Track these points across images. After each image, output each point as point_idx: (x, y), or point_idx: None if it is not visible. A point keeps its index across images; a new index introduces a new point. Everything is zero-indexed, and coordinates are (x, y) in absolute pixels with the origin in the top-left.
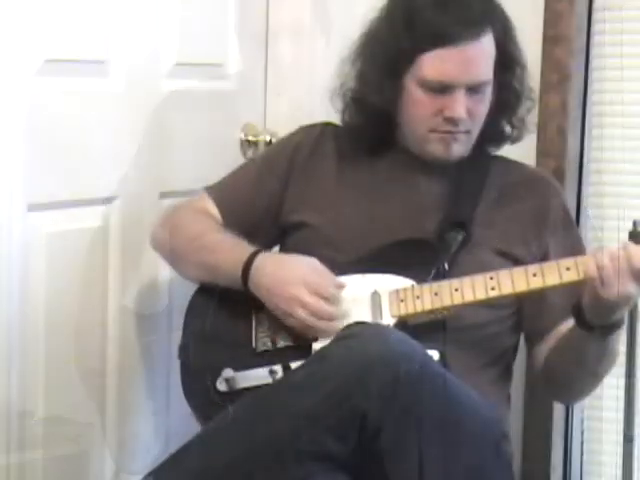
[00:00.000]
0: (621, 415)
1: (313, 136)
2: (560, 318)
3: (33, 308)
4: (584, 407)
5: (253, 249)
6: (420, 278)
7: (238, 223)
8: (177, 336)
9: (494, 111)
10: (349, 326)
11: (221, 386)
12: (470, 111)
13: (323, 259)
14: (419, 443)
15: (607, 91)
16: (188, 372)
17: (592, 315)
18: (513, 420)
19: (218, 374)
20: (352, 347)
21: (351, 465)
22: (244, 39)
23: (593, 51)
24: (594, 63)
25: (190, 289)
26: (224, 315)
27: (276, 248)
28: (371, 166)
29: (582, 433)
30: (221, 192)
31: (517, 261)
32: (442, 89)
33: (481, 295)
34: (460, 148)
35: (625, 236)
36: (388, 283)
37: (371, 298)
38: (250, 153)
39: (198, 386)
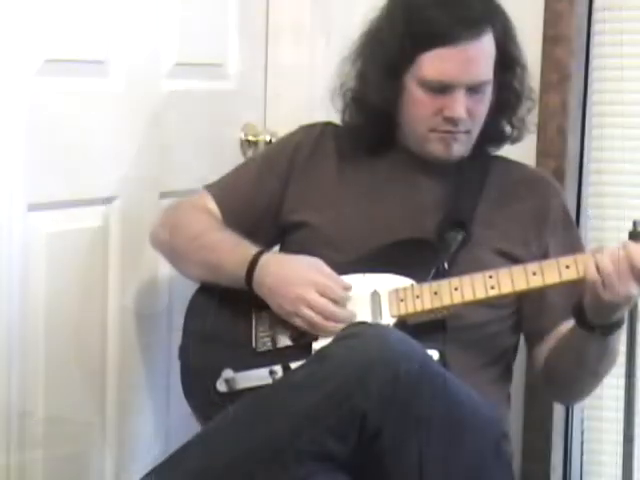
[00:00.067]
0: (621, 415)
1: (313, 136)
2: (560, 318)
3: (33, 308)
4: (584, 407)
5: (256, 249)
6: (420, 278)
7: (238, 222)
8: (177, 336)
9: (494, 111)
10: (349, 326)
11: (221, 387)
12: (470, 111)
13: (323, 259)
14: (419, 443)
15: (607, 91)
16: (188, 372)
17: (593, 315)
18: (513, 420)
19: (218, 375)
20: (352, 347)
21: (351, 465)
22: (244, 39)
23: (593, 51)
24: (594, 63)
25: (190, 289)
26: (224, 315)
27: (276, 248)
28: (371, 166)
29: (582, 433)
30: (221, 190)
31: (517, 261)
32: (442, 89)
33: (481, 294)
34: (460, 148)
35: (625, 236)
36: (388, 283)
37: (371, 298)
38: (250, 153)
39: (198, 386)
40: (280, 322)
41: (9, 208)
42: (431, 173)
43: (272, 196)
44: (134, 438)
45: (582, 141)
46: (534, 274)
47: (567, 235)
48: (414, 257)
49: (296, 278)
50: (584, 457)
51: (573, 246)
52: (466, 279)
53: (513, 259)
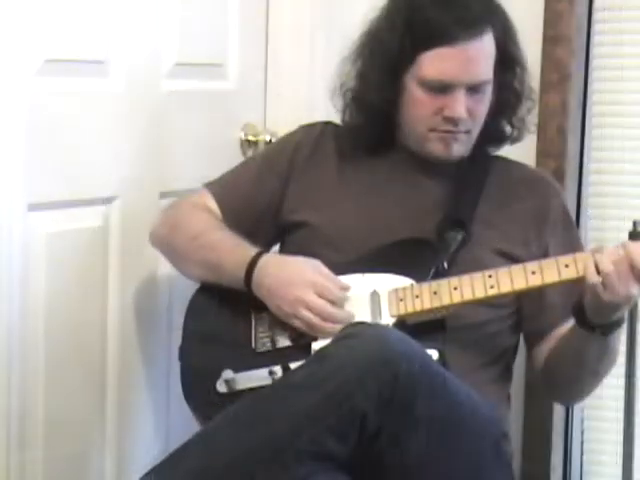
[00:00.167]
0: (621, 415)
1: (313, 135)
2: (560, 318)
3: (33, 308)
4: (584, 407)
5: (256, 250)
6: (419, 277)
7: (238, 221)
8: (177, 336)
9: (494, 111)
10: (349, 326)
11: (221, 387)
12: (470, 111)
13: (323, 258)
14: (419, 443)
15: (607, 91)
16: (188, 373)
17: (593, 315)
18: (513, 420)
19: (218, 375)
20: (352, 347)
21: (351, 465)
22: (244, 39)
23: (593, 51)
24: (594, 63)
25: (190, 289)
26: (224, 315)
27: (276, 247)
28: (371, 166)
29: (582, 433)
30: (221, 189)
31: (517, 261)
32: (442, 88)
33: (480, 294)
34: (460, 148)
35: (625, 236)
36: (387, 282)
37: (370, 298)
38: (250, 153)
39: (198, 387)
40: (280, 323)
41: (9, 208)
42: (431, 173)
43: (272, 195)
44: (134, 438)
45: (582, 141)
46: (533, 273)
47: (567, 235)
48: (414, 257)
49: (294, 279)
50: (584, 457)
51: (573, 246)
52: (465, 279)
53: (513, 259)
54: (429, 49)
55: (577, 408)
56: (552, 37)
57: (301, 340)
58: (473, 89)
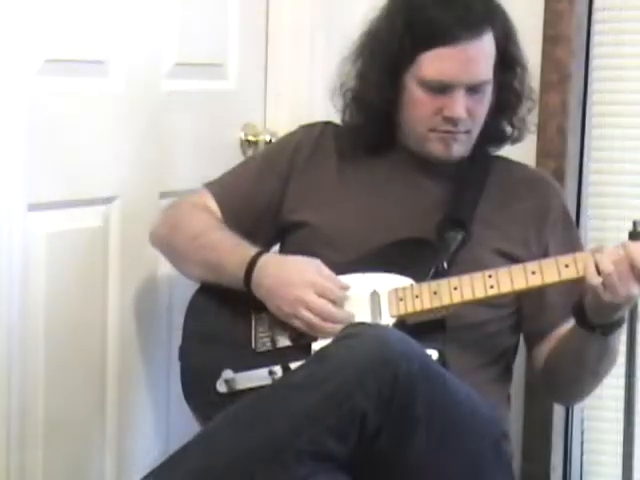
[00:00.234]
0: (621, 415)
1: (313, 136)
2: (560, 318)
3: (33, 308)
4: (584, 407)
5: (255, 250)
6: (419, 277)
7: (238, 220)
8: (177, 336)
9: (494, 111)
10: (349, 326)
11: (221, 387)
12: (470, 111)
13: (323, 258)
14: (419, 443)
15: (607, 91)
16: (188, 373)
17: (593, 315)
18: (513, 420)
19: (218, 375)
20: (352, 347)
21: (351, 465)
22: (244, 39)
23: (593, 51)
24: (594, 63)
25: (190, 289)
26: (224, 315)
27: (276, 247)
28: (371, 166)
29: (582, 433)
30: (221, 189)
31: (517, 261)
32: (442, 89)
33: (480, 294)
34: (460, 148)
35: (625, 236)
36: (387, 282)
37: (370, 297)
38: (250, 153)
39: (198, 387)
40: (280, 322)
41: (9, 208)
42: (431, 173)
43: (272, 195)
44: (134, 438)
45: (582, 141)
46: (533, 273)
47: (567, 235)
48: (413, 257)
49: (294, 279)
50: (584, 457)
51: (573, 246)
52: (465, 279)
53: (513, 259)
54: (429, 49)
55: (577, 408)
56: (552, 37)
57: (301, 340)
58: (473, 89)
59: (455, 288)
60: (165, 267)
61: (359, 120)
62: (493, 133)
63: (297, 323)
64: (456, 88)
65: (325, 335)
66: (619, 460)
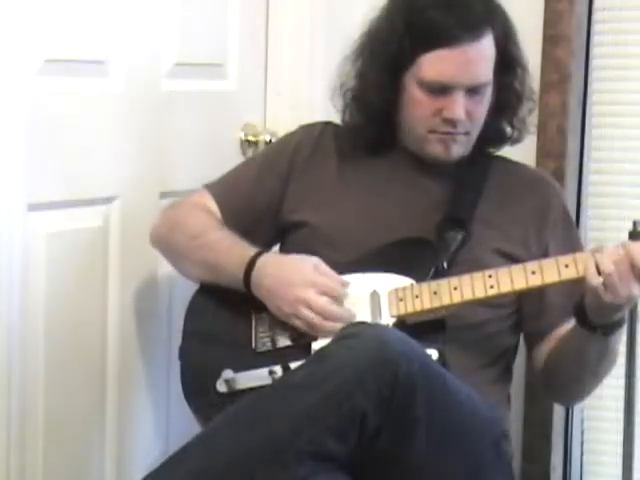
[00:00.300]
0: (621, 415)
1: (313, 136)
2: (560, 318)
3: (33, 308)
4: (584, 407)
5: (254, 250)
6: (419, 277)
7: (237, 221)
8: (177, 336)
9: (495, 112)
10: (348, 326)
11: (221, 387)
12: (469, 112)
13: (323, 258)
14: (419, 443)
15: (607, 91)
16: (188, 373)
17: (594, 315)
18: (513, 420)
19: (218, 375)
20: (352, 347)
21: (351, 465)
22: (244, 39)
23: (593, 51)
24: (594, 63)
25: (190, 289)
26: (224, 315)
27: (276, 247)
28: (371, 166)
29: (582, 433)
30: (221, 189)
31: (517, 261)
32: (441, 90)
33: (480, 293)
34: (459, 149)
35: (625, 236)
36: (387, 282)
37: (370, 297)
38: (250, 153)
39: (198, 387)
40: (280, 322)
41: (9, 208)
42: (431, 173)
43: (272, 196)
44: (134, 438)
45: (582, 141)
46: (533, 273)
47: (567, 235)
48: (413, 257)
49: (294, 279)
50: (584, 457)
51: (573, 246)
52: (465, 278)
53: (513, 259)
54: (429, 50)
55: (577, 408)
56: (552, 37)
57: (301, 340)
58: (472, 91)
59: (455, 288)
60: (165, 267)
61: (359, 120)
62: (493, 134)
63: (297, 323)
64: (456, 89)
65: (326, 334)
66: (619, 460)
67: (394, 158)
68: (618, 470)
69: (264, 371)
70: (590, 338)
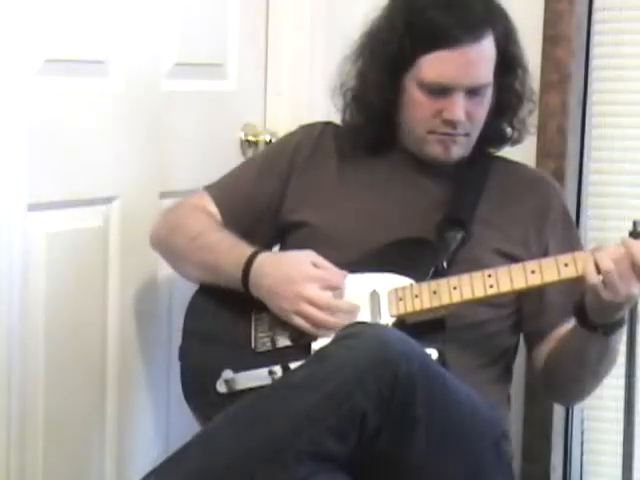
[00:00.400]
0: (621, 415)
1: (313, 136)
2: (560, 318)
3: (33, 308)
4: (584, 407)
5: (252, 250)
6: (419, 277)
7: (237, 222)
8: (177, 336)
9: (495, 113)
10: (349, 326)
11: (221, 387)
12: (469, 114)
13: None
14: (419, 443)
15: (607, 91)
16: (188, 373)
17: (595, 315)
18: (513, 420)
19: (218, 375)
20: (352, 347)
21: (351, 465)
22: (244, 39)
23: (593, 51)
24: (594, 63)
25: (190, 289)
26: (224, 316)
27: (276, 248)
28: (371, 166)
29: (582, 433)
30: (221, 191)
31: (516, 261)
32: (441, 91)
33: (480, 293)
34: (459, 150)
35: (625, 236)
36: (387, 282)
37: (370, 297)
38: (250, 153)
39: (198, 387)
40: (280, 322)
41: (9, 208)
42: (431, 173)
43: (272, 196)
44: (134, 438)
45: (582, 141)
46: (533, 272)
47: (567, 235)
48: (413, 256)
49: (293, 275)
50: (584, 457)
51: (573, 246)
52: (465, 278)
53: (513, 259)
54: (429, 52)
55: (577, 408)
56: (552, 37)
57: (301, 340)
58: (473, 92)
59: (455, 288)
60: (165, 267)
61: (359, 120)
62: (493, 134)
63: (300, 321)
64: (456, 91)
65: (330, 329)
66: (619, 460)
67: (394, 158)
68: (618, 470)
69: (264, 371)
70: (590, 338)
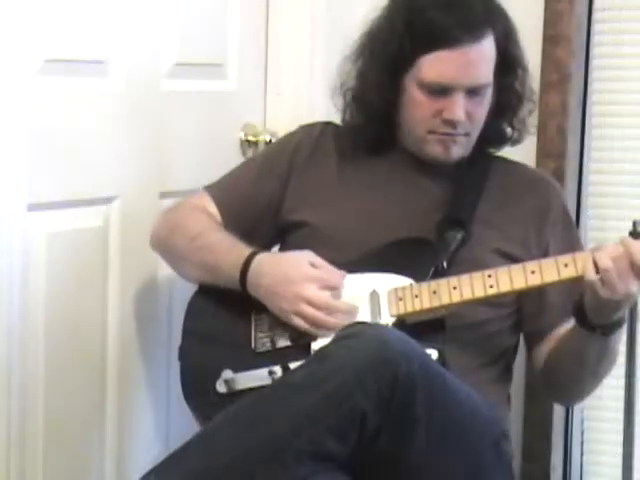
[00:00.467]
0: (621, 415)
1: (313, 135)
2: (560, 318)
3: (33, 308)
4: (584, 407)
5: (250, 250)
6: (419, 277)
7: (237, 222)
8: (177, 336)
9: (495, 113)
10: (349, 326)
11: (220, 388)
12: (469, 114)
13: (322, 258)
14: (419, 443)
15: (607, 91)
16: (188, 373)
17: (593, 314)
18: (513, 420)
19: (217, 375)
20: (351, 347)
21: (351, 465)
22: (244, 39)
23: (593, 51)
24: (594, 63)
25: (190, 289)
26: (223, 316)
27: (276, 248)
28: (371, 165)
29: (582, 433)
30: (221, 191)
31: (516, 261)
32: (441, 91)
33: (480, 293)
34: (459, 150)
35: (625, 236)
36: (387, 282)
37: (370, 297)
38: (250, 153)
39: (198, 387)
40: (279, 323)
41: (9, 208)
42: (431, 173)
43: (272, 196)
44: (134, 438)
45: (582, 141)
46: (533, 273)
47: (567, 235)
48: (413, 256)
49: (292, 275)
50: (584, 457)
51: (573, 246)
52: (465, 278)
53: (513, 259)
54: (429, 52)
55: (577, 408)
56: (552, 37)
57: (301, 340)
58: (473, 92)
59: (454, 288)
60: (165, 267)
61: (359, 120)
62: (493, 134)
63: (298, 322)
64: (456, 91)
65: (329, 329)
66: (619, 460)
67: (394, 158)
68: (618, 470)
69: (264, 371)
70: (589, 338)
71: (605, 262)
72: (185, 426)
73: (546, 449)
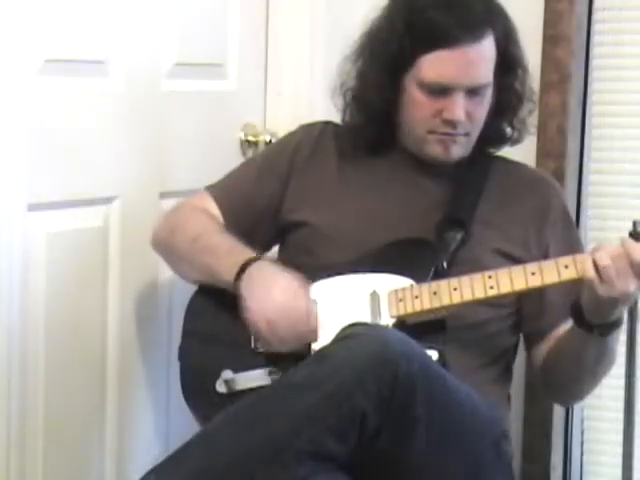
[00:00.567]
0: (621, 415)
1: (313, 135)
2: (560, 318)
3: (33, 308)
4: (584, 407)
5: (247, 256)
6: (419, 278)
7: (238, 222)
8: (177, 336)
9: (495, 113)
10: (349, 326)
11: (220, 387)
12: (469, 114)
13: (322, 258)
14: (419, 443)
15: (607, 91)
16: (188, 373)
17: (591, 314)
18: (513, 420)
19: (217, 375)
20: (352, 347)
21: (351, 465)
22: (244, 39)
23: (593, 51)
24: (594, 63)
25: (190, 289)
26: (223, 316)
27: (275, 248)
28: (371, 165)
29: (582, 433)
30: (222, 191)
31: (517, 261)
32: (441, 91)
33: (480, 294)
34: (459, 150)
35: (625, 236)
36: (387, 283)
37: (370, 298)
38: (250, 153)
39: (197, 387)
40: None
41: (9, 208)
42: (431, 173)
43: (272, 196)
44: (134, 438)
45: (582, 141)
46: (533, 274)
47: (567, 235)
48: (413, 257)
49: (272, 301)
50: (584, 457)
51: (573, 246)
52: (465, 279)
53: (513, 259)
54: (429, 51)
55: (577, 408)
56: (552, 37)
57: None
58: (473, 92)
59: (455, 289)
60: (165, 267)
61: (359, 120)
62: (493, 134)
63: (255, 334)
64: (456, 91)
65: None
66: (619, 460)
67: (394, 158)
68: (618, 470)
69: (264, 371)
70: (588, 338)
71: (604, 260)
72: (185, 426)
73: (546, 449)
